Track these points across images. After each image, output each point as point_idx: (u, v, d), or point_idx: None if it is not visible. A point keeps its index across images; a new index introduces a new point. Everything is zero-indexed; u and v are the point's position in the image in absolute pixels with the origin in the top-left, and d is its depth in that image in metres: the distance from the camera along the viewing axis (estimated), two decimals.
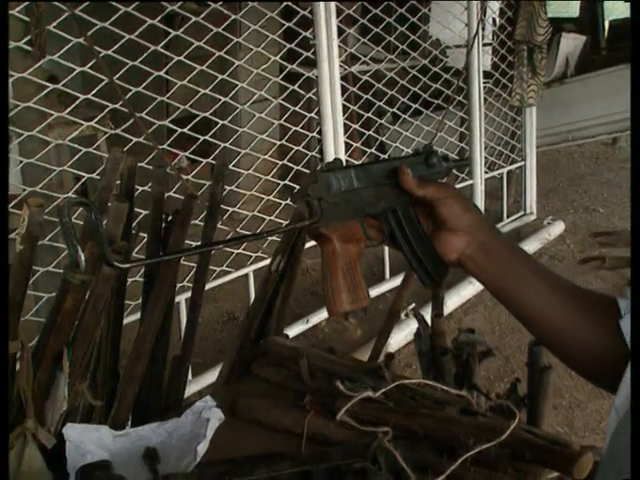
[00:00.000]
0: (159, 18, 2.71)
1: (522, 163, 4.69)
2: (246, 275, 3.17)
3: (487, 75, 4.36)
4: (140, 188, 2.06)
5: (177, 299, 2.57)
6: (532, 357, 1.36)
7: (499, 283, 0.94)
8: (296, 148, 3.32)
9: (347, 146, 3.46)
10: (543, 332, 0.96)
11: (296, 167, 3.32)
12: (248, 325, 1.45)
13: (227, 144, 3.05)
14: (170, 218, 1.37)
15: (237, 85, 3.06)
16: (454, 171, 4.06)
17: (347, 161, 3.39)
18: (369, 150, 3.76)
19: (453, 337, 1.49)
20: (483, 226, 0.94)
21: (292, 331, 3.23)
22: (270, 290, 1.43)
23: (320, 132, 3.32)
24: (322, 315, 3.34)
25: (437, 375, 1.45)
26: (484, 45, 4.28)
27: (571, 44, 5.33)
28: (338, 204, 0.88)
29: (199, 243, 1.60)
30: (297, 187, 0.89)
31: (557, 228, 4.56)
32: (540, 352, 1.35)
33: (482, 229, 0.93)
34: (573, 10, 7.64)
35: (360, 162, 3.51)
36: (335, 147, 3.27)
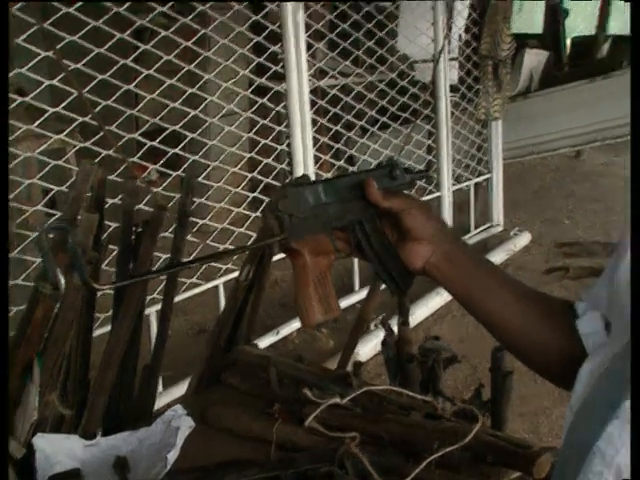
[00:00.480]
0: (128, 32, 2.73)
1: (489, 175, 4.77)
2: (216, 287, 3.18)
3: (454, 89, 4.44)
4: (110, 200, 2.08)
5: (147, 311, 2.58)
6: (495, 363, 1.40)
7: (463, 290, 0.98)
8: (265, 161, 3.35)
9: (316, 159, 3.50)
10: (506, 337, 1.01)
11: (266, 180, 3.35)
12: (217, 334, 1.47)
13: (197, 157, 3.06)
14: (140, 230, 1.39)
15: (207, 98, 3.09)
16: (422, 183, 4.09)
17: (316, 174, 3.43)
18: (338, 163, 3.80)
19: (419, 344, 1.52)
20: (447, 236, 0.98)
21: (262, 342, 3.25)
22: (239, 300, 1.45)
23: (289, 145, 3.35)
24: (293, 326, 3.36)
25: (404, 382, 1.49)
26: (450, 60, 4.35)
27: (534, 59, 5.45)
28: (307, 219, 0.91)
29: (169, 255, 1.62)
30: (267, 200, 0.92)
31: (523, 239, 4.64)
32: (503, 358, 1.39)
33: (446, 238, 0.97)
34: (537, 27, 7.79)
35: (328, 176, 3.56)
36: (304, 160, 3.31)
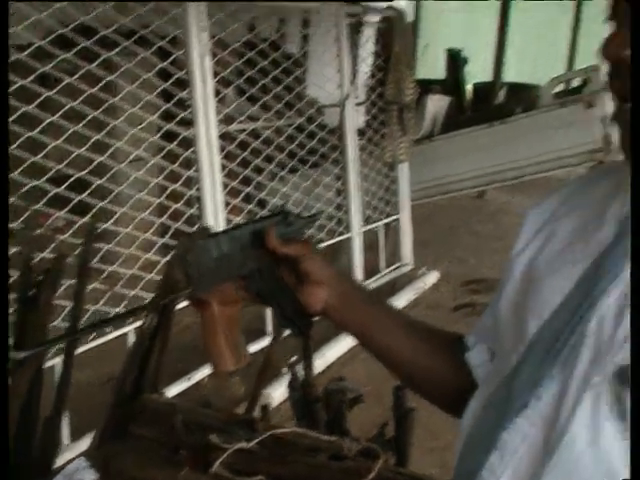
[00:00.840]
0: (31, 78, 2.70)
1: (398, 216, 4.90)
2: (125, 334, 3.12)
3: (361, 133, 4.57)
4: (13, 249, 2.03)
5: (52, 362, 2.51)
6: (397, 400, 1.44)
7: (360, 329, 1.03)
8: (175, 206, 3.34)
9: (226, 203, 3.52)
10: (402, 373, 1.06)
11: (176, 224, 3.34)
12: (121, 384, 1.46)
13: (105, 203, 3.03)
14: (40, 278, 1.38)
15: (114, 144, 3.07)
16: (332, 225, 4.14)
17: (227, 219, 3.44)
18: (249, 206, 3.83)
19: (324, 386, 1.55)
20: (343, 278, 1.02)
21: (174, 389, 3.20)
22: (143, 348, 1.45)
23: (199, 190, 3.36)
24: (204, 371, 3.33)
25: (310, 423, 1.51)
26: (357, 104, 4.48)
27: (437, 104, 5.67)
28: (213, 269, 0.93)
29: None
30: (172, 253, 0.93)
31: (432, 278, 4.77)
32: (404, 395, 1.44)
33: (342, 281, 1.02)
34: (439, 73, 8.12)
35: (239, 220, 3.58)
36: (214, 204, 3.32)
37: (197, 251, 0.91)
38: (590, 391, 0.72)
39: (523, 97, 6.76)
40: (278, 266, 1.01)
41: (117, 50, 3.03)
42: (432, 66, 11.66)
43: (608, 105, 4.33)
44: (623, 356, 0.69)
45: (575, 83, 7.47)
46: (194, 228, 3.38)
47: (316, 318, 1.04)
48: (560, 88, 5.64)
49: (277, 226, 1.01)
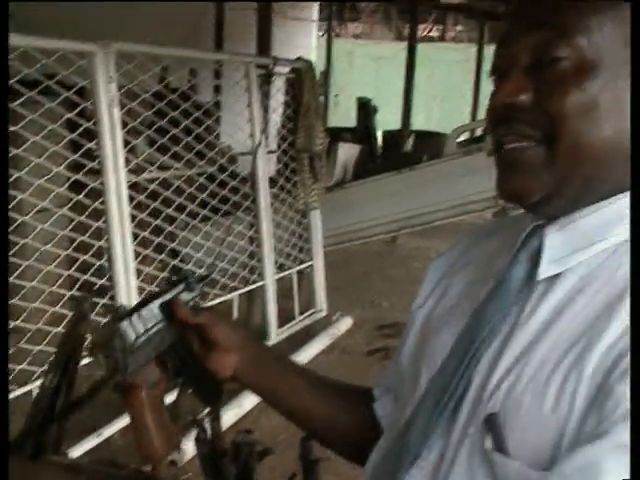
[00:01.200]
0: None
1: (311, 263, 4.95)
2: (31, 392, 3.02)
3: (273, 181, 4.62)
4: None
5: None
6: (304, 451, 1.45)
7: (269, 391, 1.05)
8: (83, 257, 3.28)
9: (137, 254, 3.48)
10: (315, 431, 1.10)
11: (85, 276, 3.27)
12: (20, 445, 1.41)
13: (9, 255, 2.95)
14: None
15: (18, 196, 3.00)
16: (245, 273, 4.14)
17: (137, 269, 3.40)
18: (160, 256, 3.80)
19: (231, 439, 1.54)
20: (251, 342, 1.04)
21: (83, 446, 3.11)
22: (44, 407, 1.41)
23: (108, 241, 3.32)
24: (115, 427, 3.24)
25: (218, 477, 1.49)
26: (268, 153, 4.54)
27: (348, 152, 5.82)
28: (136, 351, 0.91)
29: None
30: (92, 338, 0.91)
31: (346, 323, 4.82)
32: (310, 446, 1.45)
33: (250, 345, 1.03)
34: (350, 121, 8.35)
35: (150, 270, 3.54)
36: (124, 255, 3.28)
37: (120, 335, 0.89)
38: (467, 440, 0.76)
39: (430, 145, 7.02)
40: (188, 336, 1.00)
41: (21, 100, 2.98)
42: (344, 114, 11.97)
43: None
44: (492, 404, 0.74)
45: (478, 132, 7.82)
46: (104, 280, 3.33)
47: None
48: (465, 136, 5.89)
49: (182, 294, 1.01)
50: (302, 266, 4.89)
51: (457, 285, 0.91)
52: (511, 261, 0.79)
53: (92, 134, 3.25)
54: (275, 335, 4.40)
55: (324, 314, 4.95)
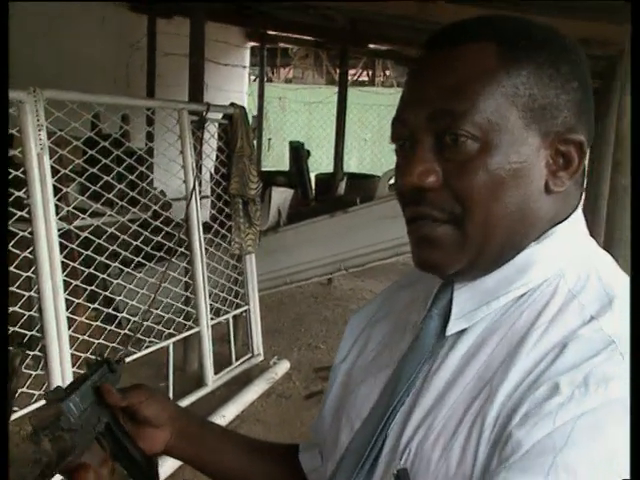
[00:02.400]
0: None
1: (246, 307, 4.93)
2: None
3: (207, 226, 4.62)
4: None
5: None
6: None
7: (199, 460, 1.05)
8: (12, 309, 3.20)
9: (69, 303, 3.41)
10: None
11: (13, 328, 3.18)
12: None
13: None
14: None
15: None
16: (181, 320, 4.09)
17: (68, 319, 3.32)
18: (93, 305, 3.73)
19: None
20: (180, 415, 1.04)
21: None
22: None
23: (38, 291, 3.24)
24: None
25: None
26: (202, 198, 4.55)
27: (281, 196, 5.87)
28: (78, 430, 0.89)
29: None
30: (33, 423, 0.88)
31: (283, 367, 4.81)
32: None
33: (179, 418, 1.03)
34: (283, 164, 8.43)
35: (83, 320, 3.47)
36: (55, 305, 3.21)
37: (65, 414, 0.87)
38: None
39: (362, 187, 7.14)
40: (119, 417, 0.99)
41: None
42: (277, 158, 12.08)
43: None
44: (404, 460, 0.76)
45: None
46: (34, 330, 3.24)
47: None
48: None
49: (106, 375, 1.00)
50: (238, 311, 4.87)
51: (376, 336, 0.93)
52: (425, 316, 0.82)
53: (22, 183, 3.19)
54: (212, 382, 4.35)
55: (261, 358, 4.92)
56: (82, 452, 0.89)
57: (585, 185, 0.83)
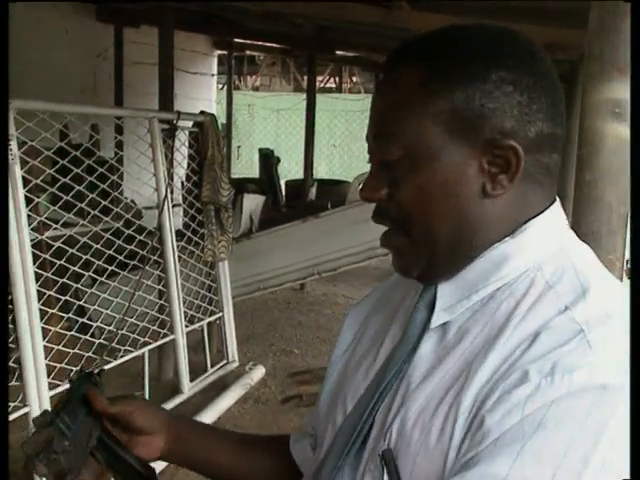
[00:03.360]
0: None
1: (220, 314, 4.94)
2: None
3: (180, 234, 4.62)
4: None
5: None
6: None
7: (195, 460, 1.08)
8: None
9: (43, 313, 3.39)
10: None
11: None
12: None
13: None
14: None
15: None
16: (155, 328, 4.09)
17: (43, 329, 3.31)
18: (67, 315, 3.72)
19: None
20: (172, 420, 1.07)
21: None
22: None
23: (12, 302, 3.23)
24: None
25: None
26: (174, 206, 4.55)
27: (253, 203, 5.89)
28: (72, 451, 0.90)
29: None
30: (26, 449, 0.89)
31: (258, 373, 4.83)
32: None
33: (171, 423, 1.06)
34: (253, 172, 8.45)
35: (59, 330, 3.46)
36: (29, 316, 3.20)
37: (58, 436, 0.88)
38: (368, 475, 0.83)
39: (333, 193, 7.19)
40: (109, 428, 1.00)
41: None
42: (246, 165, 12.09)
43: None
44: (388, 441, 0.81)
45: None
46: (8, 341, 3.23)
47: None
48: None
49: (90, 387, 1.00)
50: (212, 318, 4.87)
51: (371, 329, 0.98)
52: (413, 309, 0.87)
53: None
54: (188, 389, 4.35)
55: (236, 365, 4.93)
56: (79, 471, 0.91)
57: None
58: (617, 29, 1.75)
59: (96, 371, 1.06)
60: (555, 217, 0.84)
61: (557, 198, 0.86)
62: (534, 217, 0.82)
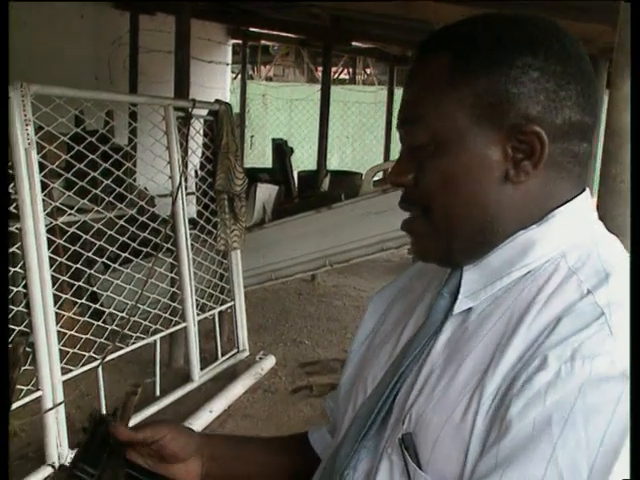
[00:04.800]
0: None
1: (232, 303, 4.95)
2: None
3: (193, 222, 4.62)
4: None
5: None
6: None
7: (233, 475, 1.08)
8: None
9: (57, 298, 3.40)
10: None
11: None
12: None
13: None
14: None
15: None
16: (167, 315, 4.09)
17: (56, 314, 3.33)
18: (80, 300, 3.73)
19: None
20: (205, 442, 1.07)
21: None
22: None
23: (26, 286, 3.24)
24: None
25: None
26: (188, 195, 4.55)
27: (266, 193, 5.88)
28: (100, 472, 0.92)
29: None
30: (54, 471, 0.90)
31: (269, 362, 4.83)
32: None
33: (205, 445, 1.06)
34: (266, 162, 8.44)
35: (70, 315, 3.47)
36: (43, 301, 3.21)
37: (84, 458, 0.90)
38: (387, 458, 0.83)
39: (346, 184, 7.18)
40: (133, 461, 0.99)
41: None
42: (259, 155, 12.08)
43: None
44: (407, 425, 0.80)
45: None
46: (22, 326, 3.25)
47: None
48: (379, 176, 6.06)
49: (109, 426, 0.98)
50: (223, 307, 4.88)
51: (392, 316, 0.99)
52: (437, 295, 0.87)
53: (8, 178, 3.19)
54: (198, 377, 4.36)
55: (247, 354, 4.94)
56: None
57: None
58: None
59: (131, 391, 1.03)
60: (583, 206, 0.84)
61: (586, 188, 0.85)
62: (561, 205, 0.82)
